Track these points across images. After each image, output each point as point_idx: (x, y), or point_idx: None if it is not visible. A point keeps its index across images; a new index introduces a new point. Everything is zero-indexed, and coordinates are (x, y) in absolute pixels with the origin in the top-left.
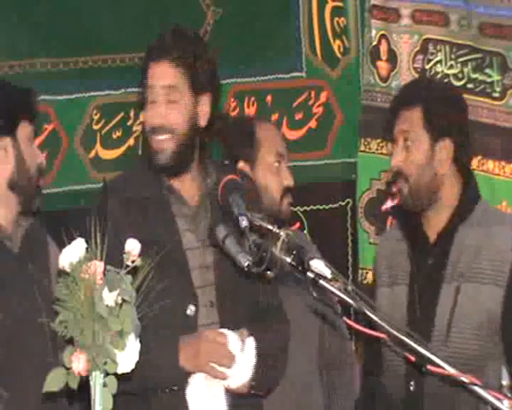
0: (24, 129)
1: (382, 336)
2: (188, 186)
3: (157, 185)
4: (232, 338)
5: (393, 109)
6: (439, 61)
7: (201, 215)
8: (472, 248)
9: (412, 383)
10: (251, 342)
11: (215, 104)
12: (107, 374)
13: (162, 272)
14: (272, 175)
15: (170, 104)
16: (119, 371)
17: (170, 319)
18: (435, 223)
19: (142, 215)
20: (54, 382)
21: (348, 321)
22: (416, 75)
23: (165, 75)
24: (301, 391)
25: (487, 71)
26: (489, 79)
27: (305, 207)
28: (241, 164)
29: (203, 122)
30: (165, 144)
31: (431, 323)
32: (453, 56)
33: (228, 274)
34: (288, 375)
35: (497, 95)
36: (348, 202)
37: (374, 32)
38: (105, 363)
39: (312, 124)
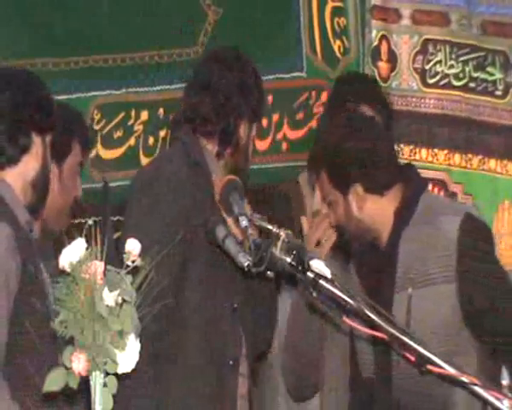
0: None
1: (382, 336)
2: None
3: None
4: None
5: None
6: (439, 62)
7: None
8: (418, 251)
9: None
10: None
11: None
12: (107, 374)
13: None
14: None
15: None
16: (119, 371)
17: (218, 312)
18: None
19: (203, 201)
20: (54, 382)
21: (348, 321)
22: (416, 76)
23: None
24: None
25: (489, 69)
26: (491, 78)
27: None
28: None
29: None
30: None
31: None
32: (454, 56)
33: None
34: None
35: (499, 93)
36: None
37: (374, 32)
38: (105, 363)
39: (313, 124)
